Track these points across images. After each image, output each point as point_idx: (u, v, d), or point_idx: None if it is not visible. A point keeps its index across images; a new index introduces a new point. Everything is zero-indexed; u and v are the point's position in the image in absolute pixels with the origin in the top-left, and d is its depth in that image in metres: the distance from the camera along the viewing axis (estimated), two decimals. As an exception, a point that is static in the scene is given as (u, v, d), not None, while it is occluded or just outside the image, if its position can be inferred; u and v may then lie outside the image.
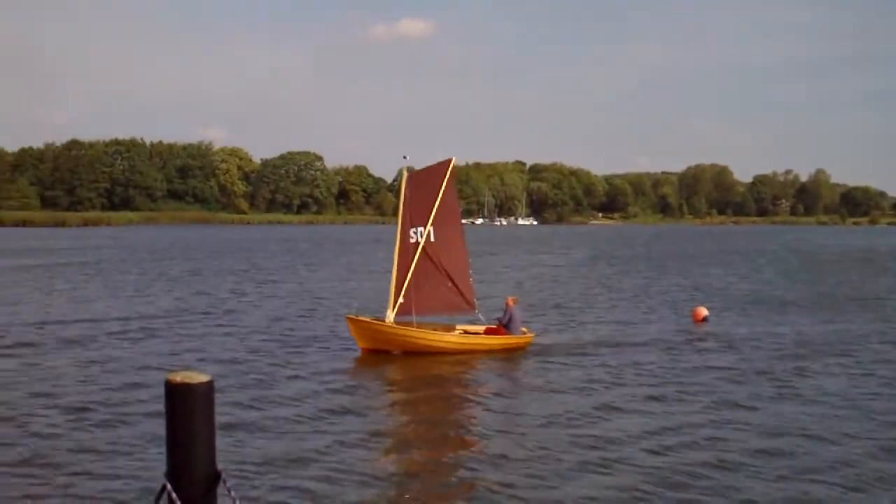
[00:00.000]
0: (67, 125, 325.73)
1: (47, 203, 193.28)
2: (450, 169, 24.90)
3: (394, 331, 23.13)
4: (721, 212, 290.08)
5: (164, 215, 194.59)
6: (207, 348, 23.92)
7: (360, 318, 23.71)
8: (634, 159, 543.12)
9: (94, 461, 13.45)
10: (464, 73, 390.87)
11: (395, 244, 24.22)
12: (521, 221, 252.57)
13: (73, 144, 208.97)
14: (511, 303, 24.32)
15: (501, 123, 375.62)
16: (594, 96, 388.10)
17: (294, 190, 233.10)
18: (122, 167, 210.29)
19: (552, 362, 22.52)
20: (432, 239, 24.12)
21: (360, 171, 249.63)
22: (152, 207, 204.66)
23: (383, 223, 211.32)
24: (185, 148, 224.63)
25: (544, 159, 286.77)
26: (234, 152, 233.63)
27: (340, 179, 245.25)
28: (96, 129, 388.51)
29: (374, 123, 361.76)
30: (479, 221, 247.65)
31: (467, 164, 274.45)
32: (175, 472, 5.12)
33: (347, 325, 23.40)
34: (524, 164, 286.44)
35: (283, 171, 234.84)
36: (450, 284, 24.24)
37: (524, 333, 24.45)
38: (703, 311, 31.33)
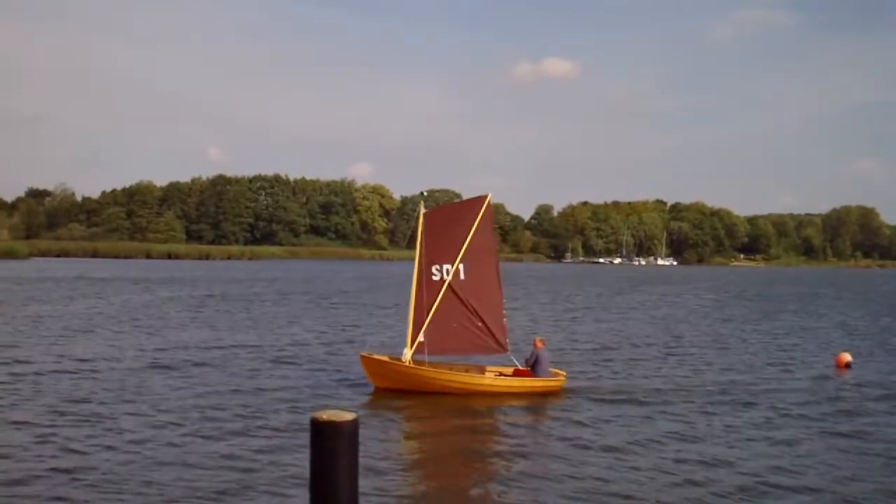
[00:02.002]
0: (222, 161, 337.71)
1: (192, 236, 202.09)
2: (485, 205, 24.27)
3: (406, 370, 22.61)
4: (866, 255, 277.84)
5: (305, 250, 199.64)
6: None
7: (375, 356, 23.38)
8: (777, 199, 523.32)
9: (233, 496, 12.91)
10: (605, 113, 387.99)
11: (412, 281, 23.63)
12: (660, 262, 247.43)
13: (219, 179, 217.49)
14: (539, 344, 23.40)
15: (642, 162, 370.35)
16: (736, 136, 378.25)
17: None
18: (265, 202, 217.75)
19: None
20: (462, 277, 23.37)
21: (497, 208, 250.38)
22: (294, 242, 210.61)
23: (519, 261, 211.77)
24: (327, 184, 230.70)
25: (685, 199, 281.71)
26: (376, 189, 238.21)
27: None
28: (249, 165, 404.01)
29: (513, 162, 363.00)
30: (618, 261, 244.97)
31: (605, 203, 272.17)
32: None
33: (361, 363, 23.13)
34: (665, 204, 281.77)
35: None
36: (479, 324, 23.33)
37: (555, 376, 23.51)
38: (847, 357, 29.34)
